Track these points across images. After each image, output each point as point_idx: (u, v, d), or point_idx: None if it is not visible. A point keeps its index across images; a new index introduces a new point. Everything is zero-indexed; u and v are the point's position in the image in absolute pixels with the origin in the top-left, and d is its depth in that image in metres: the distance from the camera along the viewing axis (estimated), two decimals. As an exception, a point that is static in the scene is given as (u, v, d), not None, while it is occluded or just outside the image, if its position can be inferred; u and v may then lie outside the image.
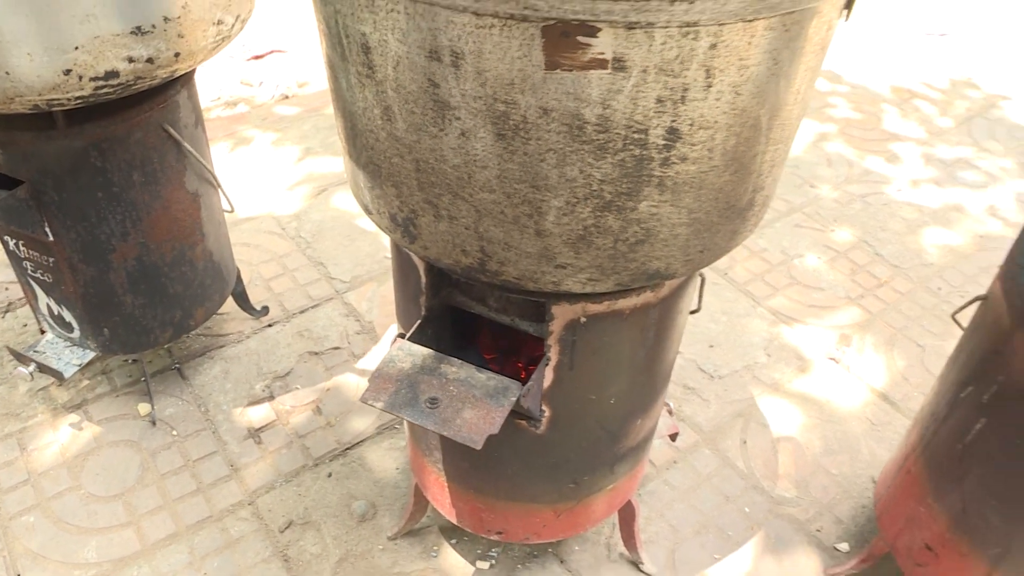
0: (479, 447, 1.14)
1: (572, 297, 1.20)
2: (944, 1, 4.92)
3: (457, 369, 1.24)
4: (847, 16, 1.05)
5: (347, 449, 2.16)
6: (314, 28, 4.05)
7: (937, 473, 1.63)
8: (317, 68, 3.79)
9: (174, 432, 2.18)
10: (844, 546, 2.02)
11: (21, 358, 2.07)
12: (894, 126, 3.66)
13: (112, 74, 1.51)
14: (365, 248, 2.79)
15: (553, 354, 1.28)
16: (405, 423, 1.91)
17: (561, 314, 1.23)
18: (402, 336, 1.31)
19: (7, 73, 1.43)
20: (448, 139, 0.99)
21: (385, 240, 2.82)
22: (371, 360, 2.40)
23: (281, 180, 3.08)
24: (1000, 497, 1.48)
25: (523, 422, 1.41)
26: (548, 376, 1.32)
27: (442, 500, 1.70)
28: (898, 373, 2.45)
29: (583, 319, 1.24)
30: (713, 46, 0.89)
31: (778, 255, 2.85)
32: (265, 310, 2.50)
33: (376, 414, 2.24)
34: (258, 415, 2.23)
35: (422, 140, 1.02)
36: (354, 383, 2.33)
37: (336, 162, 3.20)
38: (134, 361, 2.34)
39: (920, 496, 1.68)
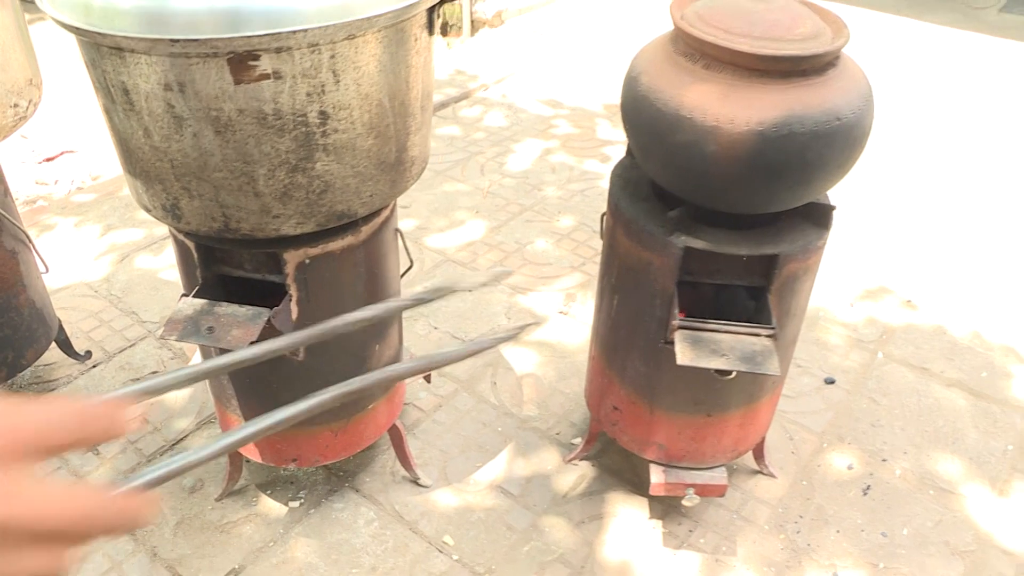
0: (246, 346, 1.66)
1: (295, 243, 1.76)
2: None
3: (225, 308, 1.77)
4: (431, 31, 1.68)
5: (174, 444, 2.62)
6: (100, 129, 4.48)
7: (606, 348, 2.26)
8: (107, 161, 4.21)
9: (20, 459, 2.57)
10: (578, 440, 2.64)
11: None
12: (606, 134, 4.47)
13: (-66, 152, 1.98)
14: (169, 294, 3.25)
15: (293, 291, 1.83)
16: (216, 416, 2.38)
17: (291, 258, 1.78)
18: (186, 296, 1.83)
19: None
20: (186, 141, 1.54)
21: (186, 284, 3.28)
22: (185, 376, 2.86)
23: (88, 253, 3.50)
24: (640, 349, 2.13)
25: (289, 353, 1.94)
26: (294, 310, 1.87)
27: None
28: (611, 315, 3.13)
29: (307, 260, 1.80)
30: (333, 56, 1.48)
31: (513, 245, 3.52)
32: (88, 354, 2.92)
33: (195, 413, 2.71)
34: (93, 433, 2.65)
35: (171, 145, 1.56)
36: (171, 397, 2.79)
37: (135, 232, 3.65)
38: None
39: (602, 370, 2.32)
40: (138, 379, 2.82)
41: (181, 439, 2.63)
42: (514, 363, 2.93)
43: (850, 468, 2.61)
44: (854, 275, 3.46)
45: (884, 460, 2.65)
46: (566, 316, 3.14)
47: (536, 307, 3.19)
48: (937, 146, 4.50)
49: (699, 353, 1.81)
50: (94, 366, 2.91)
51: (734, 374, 1.86)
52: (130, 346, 3.01)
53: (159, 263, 3.45)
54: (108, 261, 3.46)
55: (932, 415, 2.81)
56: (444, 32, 5.73)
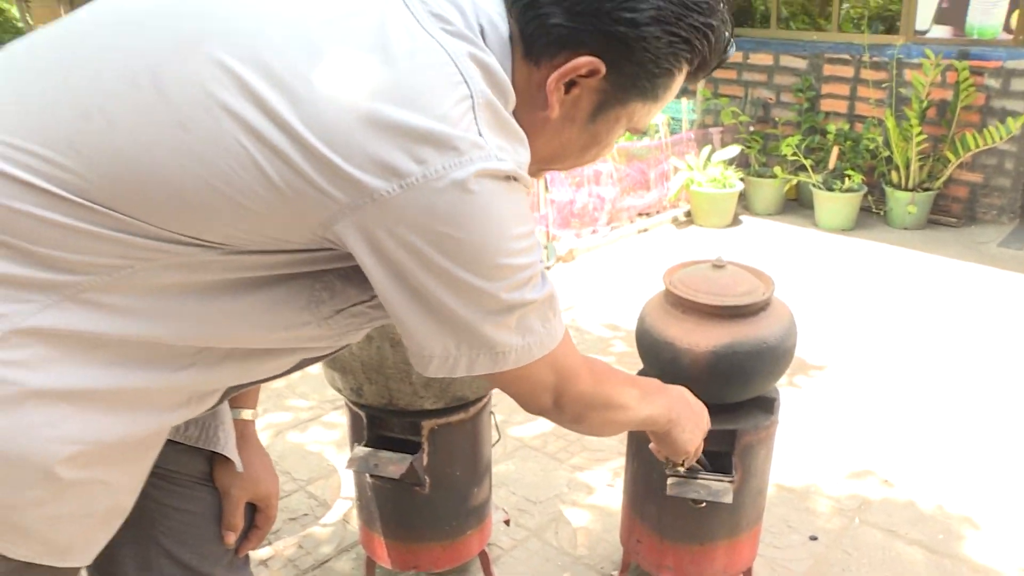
0: (398, 477, 2.73)
1: (429, 415, 2.84)
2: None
3: (384, 454, 2.84)
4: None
5: (322, 563, 3.63)
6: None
7: (631, 496, 3.23)
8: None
9: (215, 572, 3.61)
10: (616, 572, 3.58)
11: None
12: (651, 348, 5.55)
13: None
14: (314, 461, 4.35)
15: (425, 446, 2.90)
16: (359, 535, 3.40)
17: (426, 425, 2.86)
18: (358, 445, 2.91)
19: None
20: (372, 350, 2.67)
21: (326, 453, 4.39)
22: (329, 517, 3.91)
23: (251, 429, 4.65)
24: (652, 496, 3.11)
25: (418, 488, 2.99)
26: (424, 459, 2.92)
27: (382, 554, 3.20)
28: (646, 484, 4.11)
29: (436, 427, 2.87)
30: (460, 306, 2.62)
31: (574, 436, 4.56)
32: (258, 501, 3.99)
33: (337, 541, 3.73)
34: (264, 553, 3.68)
35: (363, 352, 2.68)
36: (319, 531, 3.82)
37: (285, 415, 4.80)
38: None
39: (629, 513, 3.28)
40: (294, 519, 3.90)
41: (326, 560, 3.65)
42: (571, 518, 3.91)
43: (823, 602, 3.48)
44: (844, 458, 4.39)
45: (850, 597, 3.51)
46: (612, 488, 4.13)
47: (590, 480, 4.19)
48: (932, 357, 5.47)
49: (681, 489, 2.80)
50: (262, 510, 3.98)
51: (704, 504, 2.84)
52: (286, 495, 4.08)
53: (304, 438, 4.57)
54: (266, 435, 4.60)
55: (893, 564, 3.66)
56: (525, 264, 6.99)
